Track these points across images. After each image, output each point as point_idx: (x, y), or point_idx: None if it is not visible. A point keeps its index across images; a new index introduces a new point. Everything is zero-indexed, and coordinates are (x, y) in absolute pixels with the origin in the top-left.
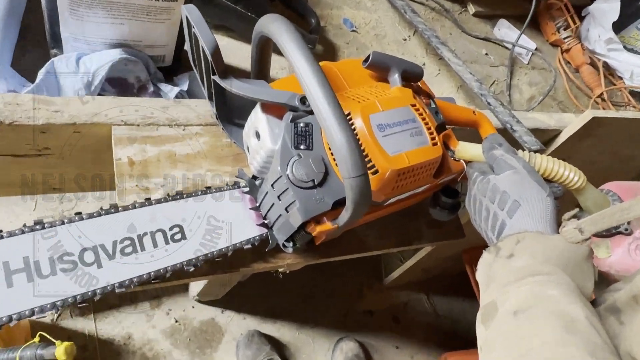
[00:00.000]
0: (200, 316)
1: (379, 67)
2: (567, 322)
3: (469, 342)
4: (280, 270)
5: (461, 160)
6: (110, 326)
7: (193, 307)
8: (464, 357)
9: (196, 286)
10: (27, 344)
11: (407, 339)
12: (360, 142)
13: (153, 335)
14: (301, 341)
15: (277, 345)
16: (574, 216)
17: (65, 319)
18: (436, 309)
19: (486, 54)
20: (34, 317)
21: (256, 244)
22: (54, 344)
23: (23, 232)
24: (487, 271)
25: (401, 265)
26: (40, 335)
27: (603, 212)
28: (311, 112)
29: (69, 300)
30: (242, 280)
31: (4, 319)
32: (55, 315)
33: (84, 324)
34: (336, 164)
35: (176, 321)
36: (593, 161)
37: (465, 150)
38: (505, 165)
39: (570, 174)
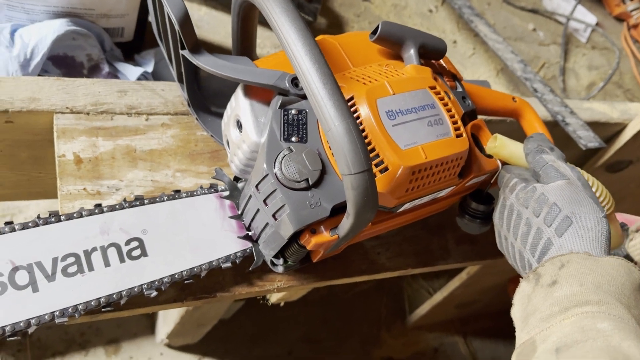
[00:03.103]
0: None
1: (391, 40)
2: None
3: None
4: (271, 299)
5: (495, 158)
6: None
7: (161, 354)
8: None
9: (165, 326)
10: None
11: None
12: (364, 132)
13: None
14: None
15: None
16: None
17: None
18: (476, 356)
19: (534, 29)
20: None
21: (238, 261)
22: None
23: None
24: (525, 304)
25: (429, 299)
26: None
27: None
28: (305, 97)
29: None
30: (225, 317)
31: None
32: None
33: None
34: (335, 160)
35: None
36: None
37: (502, 145)
38: (556, 174)
39: (605, 200)
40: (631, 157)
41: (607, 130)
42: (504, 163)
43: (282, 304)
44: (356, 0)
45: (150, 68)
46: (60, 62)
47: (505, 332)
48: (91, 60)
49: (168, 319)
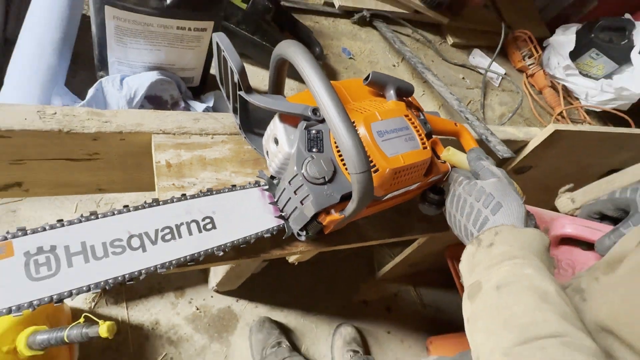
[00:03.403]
0: (218, 305)
1: (377, 84)
2: (541, 294)
3: (451, 327)
4: (292, 259)
5: (447, 163)
6: (140, 313)
7: (212, 297)
8: (446, 340)
9: (214, 277)
10: (74, 324)
11: (397, 325)
12: (363, 145)
13: (177, 321)
14: (305, 327)
15: (284, 330)
16: (568, 190)
17: (100, 307)
18: (422, 300)
19: (463, 78)
20: (89, 292)
21: (274, 233)
22: (97, 323)
23: (80, 221)
24: (470, 260)
25: (391, 261)
26: (85, 317)
27: (592, 184)
28: (321, 121)
29: (119, 278)
30: (255, 272)
31: (65, 293)
32: (93, 304)
33: (117, 311)
34: (343, 164)
35: (197, 309)
36: (557, 168)
37: (453, 154)
38: (490, 174)
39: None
40: (531, 163)
41: (515, 145)
42: (453, 166)
43: (296, 263)
44: (344, 59)
45: (211, 104)
46: (153, 100)
47: (441, 283)
48: (173, 99)
49: (217, 273)
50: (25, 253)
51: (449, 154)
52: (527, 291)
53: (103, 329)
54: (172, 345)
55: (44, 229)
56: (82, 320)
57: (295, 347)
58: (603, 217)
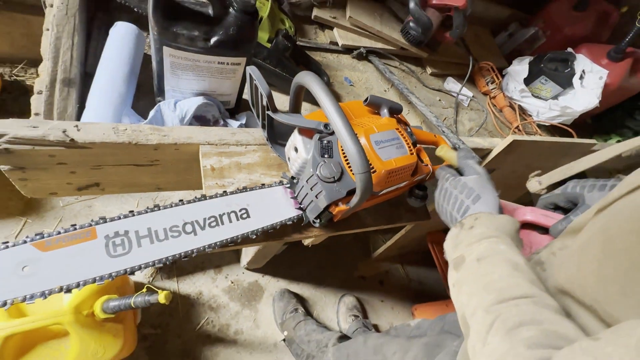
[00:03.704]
0: (248, 279)
1: (374, 104)
2: (513, 264)
3: (432, 297)
4: (307, 242)
5: (428, 166)
6: (187, 286)
7: (243, 273)
8: (427, 307)
9: (245, 257)
10: (138, 293)
11: (389, 296)
12: (365, 152)
13: (216, 292)
14: (316, 297)
15: (300, 299)
16: (536, 175)
17: (156, 281)
18: (408, 275)
19: (439, 100)
20: (154, 267)
21: (295, 221)
22: (157, 292)
23: (146, 212)
24: (454, 239)
25: (383, 244)
26: (147, 287)
27: (555, 170)
28: (331, 133)
29: (176, 255)
30: (277, 254)
31: (135, 267)
32: (151, 278)
33: (170, 284)
34: (349, 167)
35: (232, 282)
36: (515, 170)
37: (447, 151)
38: (473, 171)
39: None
40: (495, 166)
41: (482, 152)
42: (439, 163)
43: (310, 245)
44: (346, 86)
45: (244, 121)
46: (199, 119)
47: (424, 262)
48: (214, 118)
49: (248, 254)
50: (105, 236)
51: (443, 151)
52: (502, 262)
53: (162, 296)
54: (212, 311)
55: (119, 218)
56: (144, 290)
57: (308, 313)
58: (556, 208)
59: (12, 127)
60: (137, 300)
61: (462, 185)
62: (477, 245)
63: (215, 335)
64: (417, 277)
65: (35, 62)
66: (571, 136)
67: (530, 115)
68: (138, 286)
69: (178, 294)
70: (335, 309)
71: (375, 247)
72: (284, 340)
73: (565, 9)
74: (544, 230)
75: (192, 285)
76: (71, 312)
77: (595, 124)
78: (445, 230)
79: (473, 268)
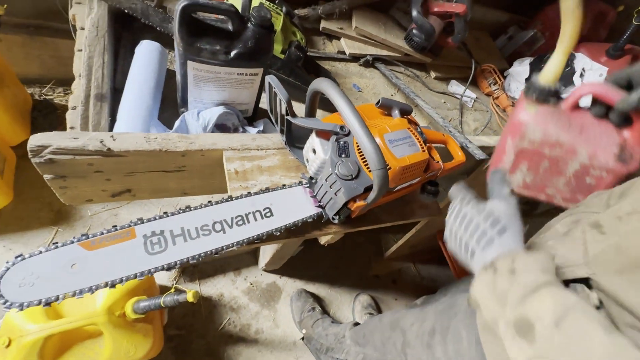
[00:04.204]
0: (266, 280)
1: (386, 106)
2: (602, 324)
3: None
4: (324, 241)
5: (439, 162)
6: (209, 288)
7: (261, 275)
8: None
9: (263, 259)
10: (166, 293)
11: (402, 293)
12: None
13: (236, 294)
14: (332, 296)
15: (317, 298)
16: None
17: (180, 284)
18: (420, 273)
19: (444, 102)
20: (189, 262)
21: (315, 218)
22: (185, 291)
23: (179, 213)
24: (491, 288)
25: (395, 244)
26: (175, 288)
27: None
28: (347, 134)
29: (208, 252)
30: (294, 255)
31: (172, 263)
32: (174, 281)
33: (192, 287)
34: (364, 164)
35: (251, 284)
36: None
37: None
38: (502, 196)
39: None
40: None
41: (488, 150)
42: (449, 160)
43: (326, 244)
44: (355, 92)
45: (261, 128)
46: (220, 127)
47: (434, 260)
48: (234, 126)
49: (265, 255)
50: (143, 235)
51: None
52: (590, 322)
53: (190, 295)
54: (233, 312)
55: (155, 219)
56: (172, 290)
57: (325, 311)
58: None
59: (55, 139)
60: (167, 299)
61: (488, 211)
62: (537, 299)
63: (237, 335)
64: (428, 274)
65: (62, 81)
66: None
67: None
68: (162, 289)
69: (200, 296)
70: (351, 307)
71: (387, 246)
72: (302, 338)
73: None
74: (600, 110)
75: (213, 288)
76: (104, 313)
77: None
78: None
79: (556, 336)
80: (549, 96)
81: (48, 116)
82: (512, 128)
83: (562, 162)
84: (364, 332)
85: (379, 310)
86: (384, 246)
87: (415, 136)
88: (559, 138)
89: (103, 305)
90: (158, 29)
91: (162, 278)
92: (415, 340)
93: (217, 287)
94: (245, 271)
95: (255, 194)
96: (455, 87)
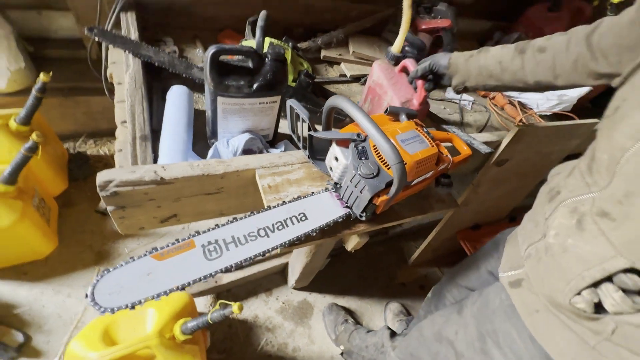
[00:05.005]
0: (297, 298)
1: (394, 113)
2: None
3: None
4: (350, 247)
5: (448, 156)
6: (244, 311)
7: (292, 293)
8: None
9: (292, 277)
10: (213, 309)
11: None
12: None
13: (270, 314)
14: (362, 307)
15: (348, 311)
16: None
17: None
18: None
19: (444, 108)
20: (243, 265)
21: (344, 218)
22: (230, 305)
23: (228, 223)
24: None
25: (417, 249)
26: (220, 303)
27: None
28: (363, 140)
29: (258, 255)
30: (321, 269)
31: (229, 266)
32: (211, 307)
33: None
34: (383, 164)
35: (283, 303)
36: (527, 158)
37: None
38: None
39: None
40: (507, 157)
41: (493, 145)
42: (457, 163)
43: (353, 250)
44: None
45: (282, 149)
46: (247, 152)
47: (458, 261)
48: (259, 149)
49: (295, 272)
50: (201, 245)
51: None
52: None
53: (235, 307)
54: (270, 332)
55: (209, 230)
56: (217, 306)
57: (358, 323)
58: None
59: (117, 173)
60: (214, 315)
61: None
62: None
63: (275, 355)
64: None
65: (92, 134)
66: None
67: (530, 108)
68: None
69: (236, 320)
70: (382, 316)
71: (410, 253)
72: (341, 353)
73: (541, 12)
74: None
75: (247, 310)
76: (156, 336)
77: (595, 106)
78: (474, 227)
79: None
80: (393, 59)
81: (82, 167)
82: (370, 73)
83: (381, 98)
84: (410, 350)
85: (410, 316)
86: (406, 253)
87: (424, 135)
88: (382, 82)
89: (154, 329)
90: (183, 75)
91: (200, 305)
92: (467, 351)
93: (251, 309)
94: (276, 291)
95: (290, 202)
96: (452, 93)
